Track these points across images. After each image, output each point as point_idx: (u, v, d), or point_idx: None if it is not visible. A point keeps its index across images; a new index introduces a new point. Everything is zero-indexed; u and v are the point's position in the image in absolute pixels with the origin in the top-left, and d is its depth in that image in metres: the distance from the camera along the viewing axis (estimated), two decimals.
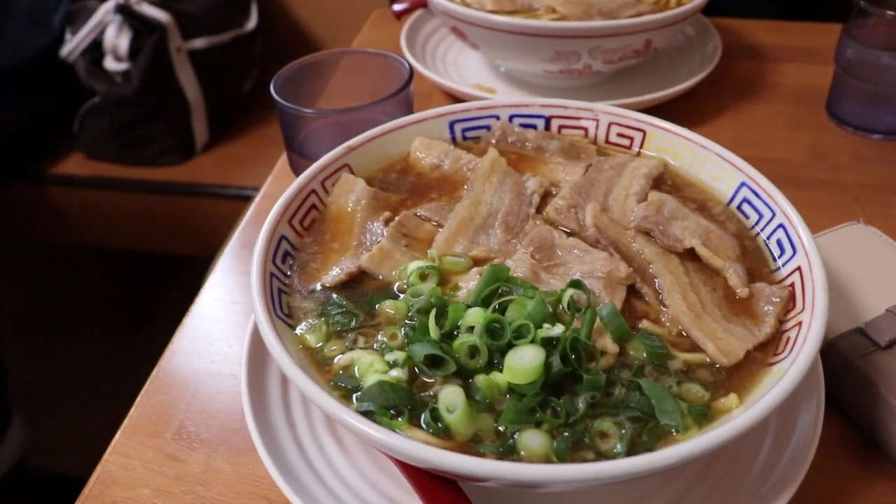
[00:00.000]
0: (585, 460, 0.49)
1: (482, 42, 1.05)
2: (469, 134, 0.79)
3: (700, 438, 0.46)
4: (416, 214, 0.69)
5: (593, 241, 0.63)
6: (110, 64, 2.04)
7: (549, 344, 0.53)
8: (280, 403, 0.66)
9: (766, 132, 1.08)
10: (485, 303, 0.58)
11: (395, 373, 0.54)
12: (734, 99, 1.15)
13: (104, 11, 2.00)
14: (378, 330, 0.59)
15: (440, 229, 0.67)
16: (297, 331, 0.59)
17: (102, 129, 2.13)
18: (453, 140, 0.79)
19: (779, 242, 0.64)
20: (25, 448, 1.96)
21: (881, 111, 1.04)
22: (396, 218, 0.68)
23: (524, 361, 0.51)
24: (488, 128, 0.79)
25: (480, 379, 0.53)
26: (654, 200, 0.67)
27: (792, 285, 0.60)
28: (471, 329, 0.56)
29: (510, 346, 0.53)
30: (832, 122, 1.10)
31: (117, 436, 0.72)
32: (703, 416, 0.51)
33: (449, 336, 0.56)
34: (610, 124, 0.77)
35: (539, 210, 0.69)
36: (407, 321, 0.58)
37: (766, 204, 0.66)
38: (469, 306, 0.57)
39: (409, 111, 0.89)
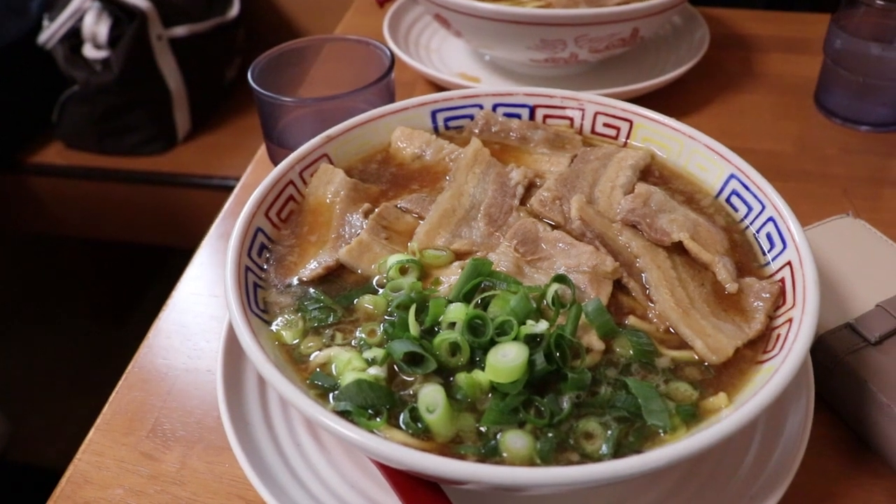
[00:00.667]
0: (570, 462, 0.47)
1: (466, 30, 1.03)
2: (452, 123, 0.77)
3: (688, 440, 0.44)
4: (396, 206, 0.67)
5: (579, 235, 0.61)
6: (89, 52, 2.00)
7: (532, 341, 0.52)
8: (257, 401, 0.64)
9: (753, 123, 1.06)
10: (466, 298, 0.56)
11: (374, 371, 0.52)
12: (721, 89, 1.14)
13: None
14: (356, 326, 0.57)
15: (421, 222, 0.65)
16: (273, 327, 0.57)
17: (82, 118, 2.09)
18: (435, 130, 0.77)
19: (768, 236, 0.62)
20: (6, 441, 1.93)
21: (869, 103, 1.03)
22: (376, 210, 0.66)
23: (507, 359, 0.50)
24: (471, 117, 0.77)
25: (462, 377, 0.51)
26: (640, 192, 0.65)
27: (782, 280, 0.58)
28: (452, 325, 0.54)
29: (492, 343, 0.52)
30: (820, 113, 1.08)
31: (90, 434, 0.70)
32: (692, 415, 0.50)
33: (429, 332, 0.55)
34: (596, 114, 0.75)
35: (523, 202, 0.67)
36: (386, 317, 0.56)
37: (756, 196, 0.64)
38: (450, 301, 0.56)
39: (391, 100, 0.86)
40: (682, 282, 0.58)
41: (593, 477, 0.43)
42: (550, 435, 0.48)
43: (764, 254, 0.62)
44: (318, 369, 0.54)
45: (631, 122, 0.74)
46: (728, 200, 0.67)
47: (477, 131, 0.76)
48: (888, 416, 0.61)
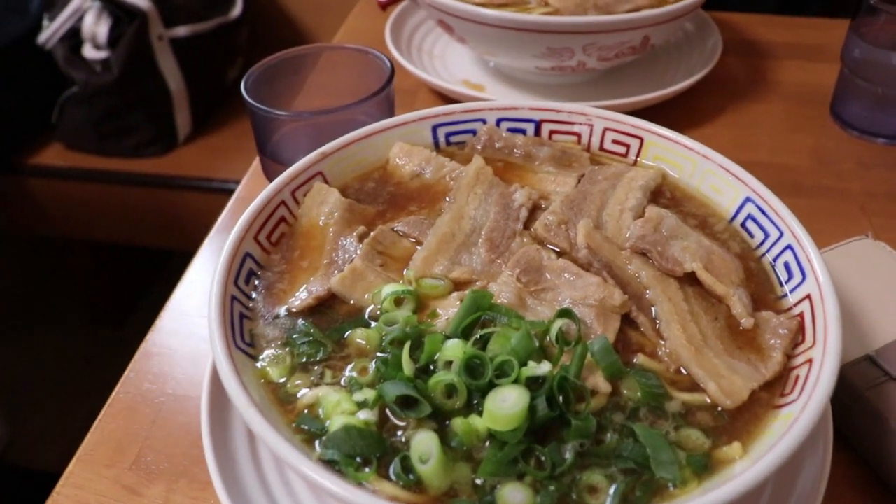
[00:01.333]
0: None
1: (470, 37, 0.99)
2: (453, 139, 0.74)
3: (701, 499, 0.41)
4: (393, 229, 0.64)
5: (585, 264, 0.57)
6: (89, 52, 1.97)
7: (534, 383, 0.48)
8: (244, 436, 0.61)
9: (767, 135, 1.02)
10: (465, 334, 0.52)
11: (364, 415, 0.49)
12: (734, 98, 1.10)
13: None
14: (348, 362, 0.54)
15: (419, 247, 0.61)
16: (259, 363, 0.54)
17: (82, 119, 2.06)
18: (436, 145, 0.73)
19: (786, 265, 0.58)
20: (4, 444, 1.91)
21: (888, 114, 0.99)
22: (372, 233, 0.62)
23: (506, 405, 0.46)
24: (474, 132, 0.73)
25: (458, 423, 0.48)
26: (651, 217, 0.62)
27: (801, 315, 0.55)
28: (449, 364, 0.50)
29: (491, 385, 0.48)
30: (836, 124, 1.04)
31: (71, 465, 0.67)
32: (703, 467, 0.46)
33: (425, 371, 0.51)
34: (605, 130, 0.72)
35: (527, 225, 0.64)
36: (379, 353, 0.53)
37: (773, 222, 0.61)
38: (448, 337, 0.52)
39: (391, 112, 0.83)
40: (695, 316, 0.55)
41: None
42: (552, 488, 0.45)
43: (781, 284, 0.59)
44: (305, 411, 0.51)
45: (641, 140, 0.70)
46: (743, 225, 0.64)
47: (480, 147, 0.72)
48: None
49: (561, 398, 0.48)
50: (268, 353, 0.55)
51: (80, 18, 1.96)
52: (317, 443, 0.48)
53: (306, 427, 0.49)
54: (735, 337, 0.54)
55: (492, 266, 0.59)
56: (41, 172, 2.13)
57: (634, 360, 0.52)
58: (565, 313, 0.53)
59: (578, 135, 0.73)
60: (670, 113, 1.04)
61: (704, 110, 1.07)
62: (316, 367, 0.54)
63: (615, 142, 0.71)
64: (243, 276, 0.59)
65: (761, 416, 0.49)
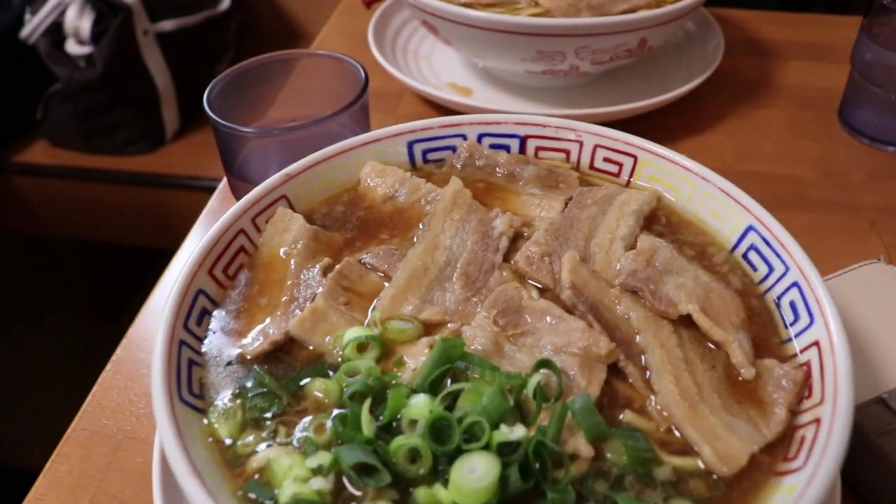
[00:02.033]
0: None
1: (456, 39, 0.93)
2: (431, 156, 0.68)
3: None
4: (360, 261, 0.58)
5: (569, 306, 0.52)
6: (72, 47, 1.91)
7: (507, 447, 0.43)
8: None
9: (772, 142, 0.97)
10: (433, 388, 0.47)
11: (317, 483, 0.44)
12: (737, 102, 1.04)
13: None
14: (304, 417, 0.48)
15: (387, 283, 0.56)
16: (208, 418, 0.49)
17: (66, 116, 2.01)
18: (412, 163, 0.68)
19: (792, 305, 0.53)
20: None
21: None
22: (337, 267, 0.57)
23: (474, 477, 0.41)
24: (453, 149, 0.68)
25: (421, 493, 0.43)
26: (644, 248, 0.56)
27: (808, 364, 0.49)
28: (414, 423, 0.45)
29: (459, 450, 0.43)
30: (844, 130, 0.98)
31: None
32: None
33: (387, 429, 0.46)
34: (595, 147, 0.66)
35: (508, 256, 0.58)
36: (336, 409, 0.48)
37: (778, 255, 0.55)
38: (414, 391, 0.47)
39: (366, 123, 0.77)
40: (690, 364, 0.49)
41: None
42: None
43: (786, 326, 0.53)
44: (255, 476, 0.46)
45: (635, 158, 0.65)
46: (745, 256, 0.58)
47: (459, 166, 0.67)
48: None
49: (537, 465, 0.43)
50: (218, 405, 0.50)
51: (63, 13, 1.90)
52: None
53: (254, 496, 0.44)
54: (734, 389, 0.49)
55: (467, 305, 0.54)
56: (26, 170, 2.08)
57: (621, 418, 0.47)
58: (545, 364, 0.47)
59: (567, 152, 0.67)
60: (668, 119, 0.98)
61: (704, 116, 1.01)
62: (269, 423, 0.49)
63: (607, 160, 0.66)
64: (195, 317, 0.54)
65: (761, 484, 0.44)
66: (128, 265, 2.36)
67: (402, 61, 1.06)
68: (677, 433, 0.46)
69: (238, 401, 0.50)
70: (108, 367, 0.74)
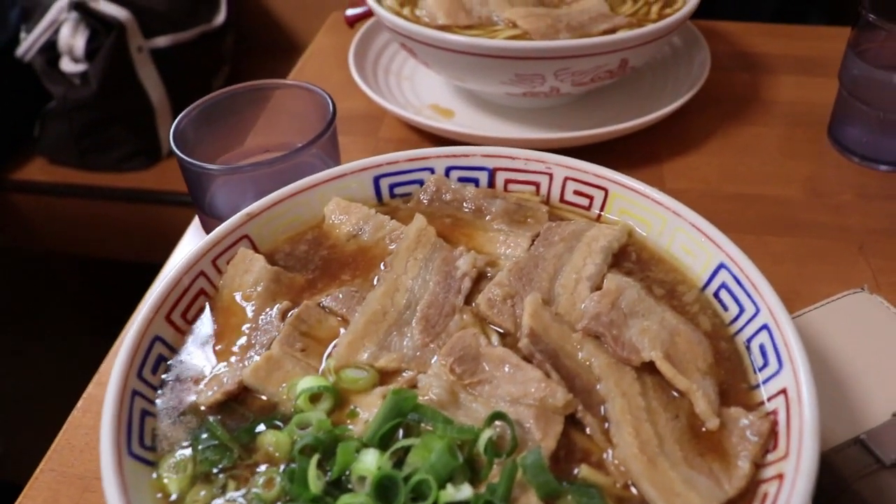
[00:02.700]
0: None
1: (433, 62, 0.92)
2: (398, 190, 0.67)
3: None
4: (320, 304, 0.57)
5: (526, 354, 0.50)
6: (67, 65, 1.92)
7: None
8: None
9: (759, 161, 0.94)
10: (383, 442, 0.46)
11: None
12: (725, 120, 1.02)
13: (58, 9, 1.87)
14: (254, 471, 0.47)
15: (343, 329, 0.54)
16: (158, 472, 0.48)
17: (62, 133, 2.01)
18: (379, 198, 0.66)
19: (762, 349, 0.51)
20: None
21: (890, 139, 0.90)
22: (295, 311, 0.56)
23: None
24: (421, 182, 0.66)
25: None
26: (609, 289, 0.54)
27: (774, 413, 0.47)
28: (363, 479, 0.44)
29: None
30: (835, 148, 0.96)
31: None
32: None
33: (337, 484, 0.45)
34: (566, 179, 0.64)
35: (472, 296, 0.57)
36: (283, 466, 0.47)
37: (749, 295, 0.53)
38: (364, 445, 0.46)
39: (336, 154, 0.76)
40: (652, 414, 0.48)
41: None
42: None
43: (756, 371, 0.51)
44: None
45: (606, 191, 0.63)
46: (716, 295, 0.56)
47: (426, 201, 0.65)
48: None
49: None
50: (169, 459, 0.49)
51: (57, 31, 1.90)
52: None
53: None
54: (697, 439, 0.47)
55: (425, 351, 0.52)
56: (24, 188, 2.09)
57: (576, 472, 0.45)
58: (499, 416, 0.46)
59: (537, 184, 0.65)
60: (654, 138, 0.96)
61: (691, 134, 0.99)
62: (220, 477, 0.47)
63: (577, 193, 0.64)
64: (150, 365, 0.53)
65: None
66: (126, 280, 2.36)
67: (383, 82, 1.05)
68: (634, 490, 0.45)
69: (189, 453, 0.48)
70: (79, 403, 0.73)
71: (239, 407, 0.51)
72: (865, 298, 0.68)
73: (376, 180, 0.66)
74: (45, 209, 2.12)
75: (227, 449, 0.48)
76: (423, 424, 0.47)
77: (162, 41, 1.99)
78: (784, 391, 0.47)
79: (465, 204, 0.64)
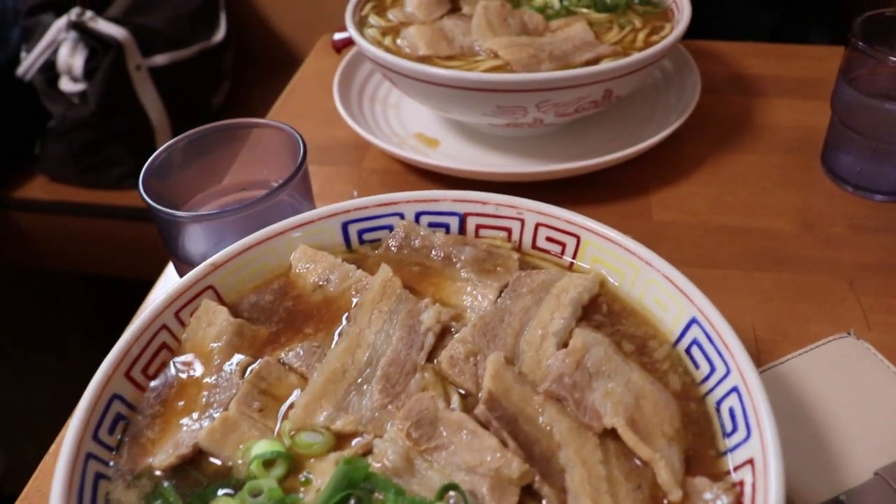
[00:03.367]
0: None
1: (413, 93, 0.91)
2: (367, 236, 0.65)
3: None
4: (280, 360, 0.56)
5: (483, 421, 0.49)
6: (66, 85, 1.92)
7: None
8: None
9: (749, 192, 0.92)
10: None
11: None
12: (716, 146, 0.99)
13: (57, 29, 1.88)
14: None
15: (300, 391, 0.53)
16: None
17: (63, 151, 2.02)
18: (348, 245, 0.65)
19: (731, 412, 0.49)
20: (2, 472, 1.90)
21: (885, 168, 0.88)
22: (255, 367, 0.55)
23: None
24: (391, 228, 0.65)
25: None
26: (576, 348, 0.53)
27: (741, 485, 0.46)
28: None
29: None
30: (828, 176, 0.94)
31: None
32: None
33: None
34: (538, 226, 0.63)
35: (436, 352, 0.55)
36: None
37: (720, 353, 0.52)
38: None
39: (307, 195, 0.75)
40: (613, 484, 0.46)
41: None
42: None
43: (724, 436, 0.49)
44: None
45: (578, 238, 0.61)
46: (688, 351, 0.54)
47: (395, 248, 0.64)
48: None
49: None
50: None
51: (56, 51, 1.90)
52: None
53: None
54: None
55: (383, 413, 0.51)
56: (26, 206, 2.10)
57: None
58: (451, 487, 0.44)
59: (508, 230, 0.64)
60: (641, 167, 0.94)
61: (681, 162, 0.97)
62: None
63: (549, 239, 0.63)
64: (107, 426, 0.52)
65: None
66: (127, 297, 2.37)
67: (368, 111, 1.04)
68: None
69: None
70: (51, 448, 0.72)
71: (193, 471, 0.50)
72: (852, 344, 0.66)
73: (344, 226, 0.64)
74: (46, 227, 2.13)
75: None
76: (375, 494, 0.46)
77: (161, 59, 1.99)
78: (751, 461, 0.46)
79: (433, 251, 0.63)
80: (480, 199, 0.64)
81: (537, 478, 0.46)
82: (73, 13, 1.86)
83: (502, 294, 0.58)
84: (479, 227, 0.64)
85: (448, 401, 0.51)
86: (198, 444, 0.50)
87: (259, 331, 0.59)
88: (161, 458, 0.50)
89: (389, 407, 0.51)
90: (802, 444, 0.58)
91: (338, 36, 1.15)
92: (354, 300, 0.60)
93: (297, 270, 0.63)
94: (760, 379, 0.48)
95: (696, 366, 0.54)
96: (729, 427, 0.49)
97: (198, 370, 0.56)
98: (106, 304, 2.41)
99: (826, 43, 1.57)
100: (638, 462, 0.48)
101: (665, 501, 0.46)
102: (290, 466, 0.48)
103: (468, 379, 0.52)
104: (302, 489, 0.47)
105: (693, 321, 0.54)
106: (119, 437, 0.53)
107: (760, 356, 0.72)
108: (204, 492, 0.49)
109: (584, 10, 0.98)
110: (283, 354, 0.56)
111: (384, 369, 0.54)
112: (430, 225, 0.65)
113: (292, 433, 0.50)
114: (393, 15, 0.99)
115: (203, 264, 0.60)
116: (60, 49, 1.89)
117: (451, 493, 0.45)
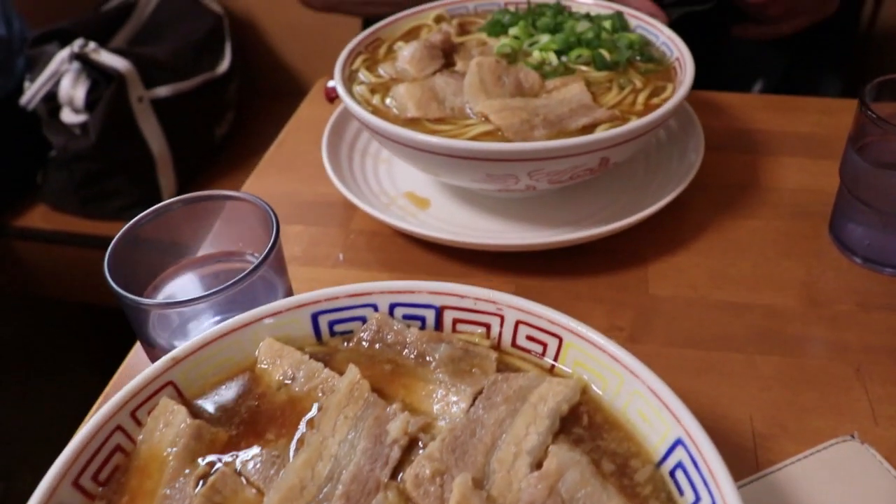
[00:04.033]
0: None
1: (401, 156, 0.87)
2: (338, 328, 0.62)
3: None
4: (237, 471, 0.52)
5: None
6: (67, 116, 1.92)
7: None
8: None
9: (752, 263, 0.88)
10: None
11: None
12: (717, 211, 0.95)
13: (59, 60, 1.88)
14: None
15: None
16: None
17: (64, 182, 2.01)
18: (318, 337, 0.62)
19: None
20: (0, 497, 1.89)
21: (895, 242, 0.84)
22: (210, 479, 0.51)
23: None
24: (363, 319, 0.62)
25: None
26: (549, 471, 0.49)
27: None
28: None
29: None
30: (836, 246, 0.89)
31: None
32: None
33: None
34: (518, 323, 0.59)
35: (403, 465, 0.52)
36: None
37: (705, 481, 0.47)
38: None
39: (282, 273, 0.72)
40: None
41: None
42: None
43: None
44: None
45: (560, 339, 0.58)
46: (672, 475, 0.50)
47: (367, 342, 0.60)
48: None
49: None
50: None
51: (58, 82, 1.90)
52: None
53: None
54: None
55: None
56: (27, 235, 2.09)
57: None
58: None
59: (487, 326, 0.60)
60: (639, 234, 0.90)
61: (680, 229, 0.93)
62: None
63: (530, 338, 0.59)
64: None
65: None
66: (127, 327, 2.35)
67: (358, 166, 1.01)
68: None
69: None
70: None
71: None
72: (855, 449, 0.62)
73: (314, 317, 0.61)
74: (47, 257, 2.12)
75: None
76: None
77: (163, 91, 1.98)
78: None
79: (406, 349, 0.59)
80: (458, 293, 0.60)
81: None
82: (76, 45, 1.86)
83: (476, 401, 0.55)
84: (456, 321, 0.61)
85: None
86: None
87: (218, 434, 0.55)
88: None
89: None
90: None
91: (331, 84, 1.12)
92: (319, 402, 0.56)
93: (263, 366, 0.59)
94: None
95: (681, 492, 0.49)
96: None
97: (152, 477, 0.53)
98: (106, 333, 2.39)
99: (839, 87, 1.53)
100: None
101: None
102: None
103: (433, 502, 0.48)
104: None
105: (678, 442, 0.50)
106: None
107: (758, 453, 0.67)
108: None
109: (584, 68, 0.95)
110: (240, 464, 0.53)
111: (345, 486, 0.50)
112: (405, 317, 0.61)
113: None
114: (384, 70, 0.96)
115: (163, 359, 0.57)
116: (62, 80, 1.88)
117: None
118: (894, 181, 0.81)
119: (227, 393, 0.59)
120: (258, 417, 0.57)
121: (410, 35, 1.04)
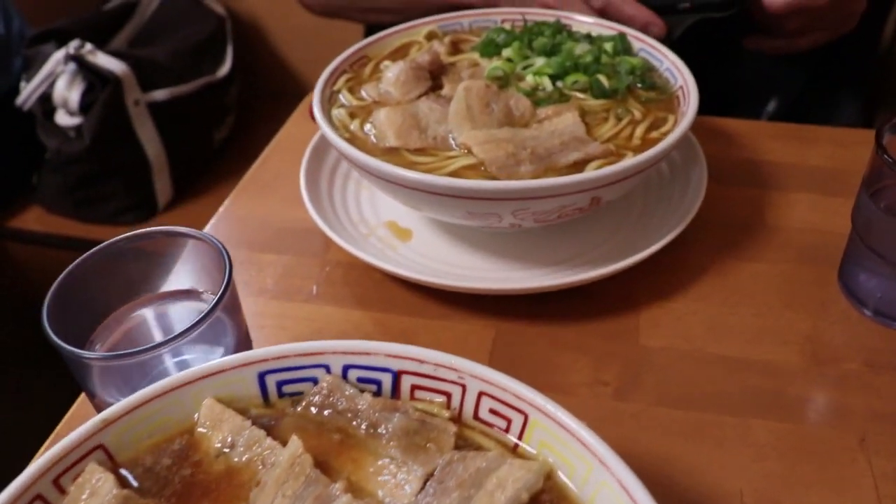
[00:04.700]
0: None
1: (379, 188, 0.82)
2: (287, 388, 0.57)
3: None
4: None
5: None
6: (62, 118, 1.88)
7: None
8: None
9: (755, 311, 0.82)
10: None
11: None
12: (719, 252, 0.89)
13: (55, 61, 1.84)
14: None
15: None
16: None
17: (58, 184, 1.98)
18: (265, 397, 0.57)
19: None
20: None
21: None
22: None
23: None
24: (315, 380, 0.56)
25: None
26: None
27: None
28: None
29: None
30: (844, 295, 0.83)
31: None
32: None
33: None
34: (480, 394, 0.54)
35: None
36: None
37: None
38: None
39: (235, 315, 0.67)
40: None
41: None
42: None
43: None
44: None
45: (526, 417, 0.52)
46: None
47: (316, 407, 0.55)
48: None
49: None
50: None
51: (53, 83, 1.86)
52: None
53: None
54: None
55: None
56: (20, 237, 2.06)
57: None
58: None
59: (448, 395, 0.55)
60: (632, 276, 0.84)
61: (678, 270, 0.86)
62: None
63: (493, 412, 0.53)
64: None
65: None
66: None
67: (339, 192, 0.95)
68: None
69: None
70: None
71: None
72: None
73: (261, 377, 0.56)
74: (40, 259, 2.09)
75: None
76: None
77: (160, 95, 1.94)
78: None
79: (357, 418, 0.54)
80: (417, 357, 0.55)
81: None
82: (73, 46, 1.82)
83: (427, 483, 0.49)
84: (414, 387, 0.55)
85: None
86: None
87: None
88: None
89: None
90: None
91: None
92: (259, 476, 0.51)
93: (201, 430, 0.54)
94: None
95: None
96: None
97: None
98: None
99: (858, 107, 1.46)
100: None
101: None
102: None
103: None
104: None
105: None
106: None
107: None
108: None
109: (580, 95, 0.89)
110: None
111: None
112: (360, 380, 0.56)
113: None
114: (367, 92, 0.90)
115: (93, 420, 0.52)
116: (57, 82, 1.85)
117: None
118: None
119: (162, 459, 0.53)
120: (192, 489, 0.52)
121: (399, 53, 0.99)
